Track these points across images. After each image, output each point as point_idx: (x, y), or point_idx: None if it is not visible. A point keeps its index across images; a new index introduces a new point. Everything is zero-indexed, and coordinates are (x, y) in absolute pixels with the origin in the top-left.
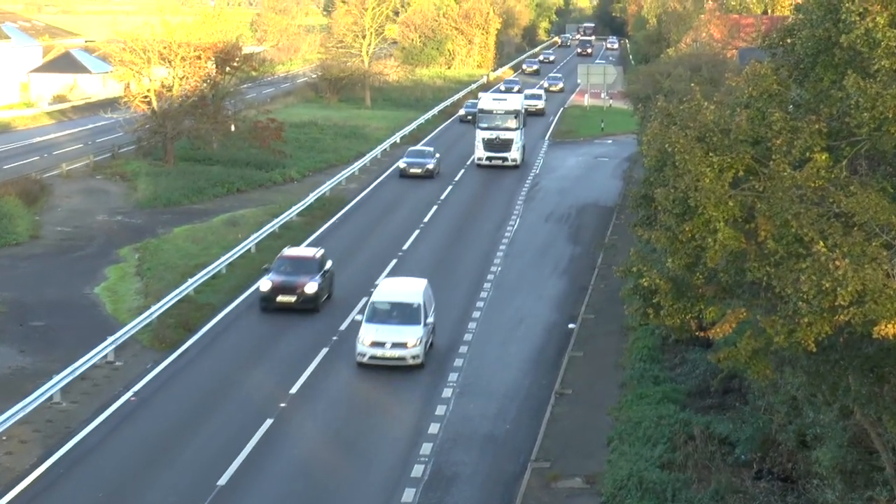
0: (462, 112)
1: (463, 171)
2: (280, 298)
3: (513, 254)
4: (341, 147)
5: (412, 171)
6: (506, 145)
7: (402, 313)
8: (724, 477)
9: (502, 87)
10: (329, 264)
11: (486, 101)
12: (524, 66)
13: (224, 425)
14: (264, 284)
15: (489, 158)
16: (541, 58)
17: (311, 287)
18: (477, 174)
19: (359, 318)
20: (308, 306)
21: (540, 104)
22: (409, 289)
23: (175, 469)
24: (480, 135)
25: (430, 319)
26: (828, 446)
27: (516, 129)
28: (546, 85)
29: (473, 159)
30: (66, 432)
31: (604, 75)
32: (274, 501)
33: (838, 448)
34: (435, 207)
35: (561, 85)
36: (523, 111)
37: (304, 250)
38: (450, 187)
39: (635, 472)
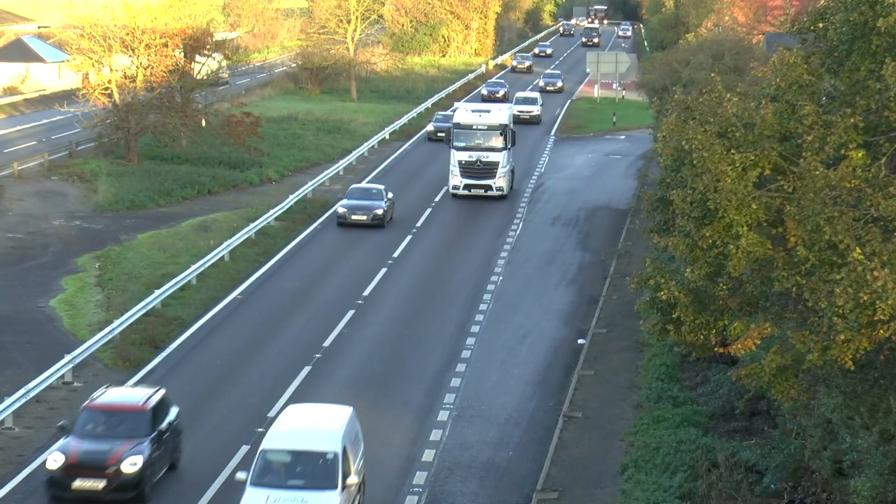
0: (430, 127)
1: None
2: (77, 484)
3: (515, 262)
4: (324, 144)
5: (354, 217)
6: (489, 170)
7: (309, 469)
8: None
9: (484, 92)
10: (173, 414)
11: (462, 113)
12: (514, 63)
13: (195, 453)
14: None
15: (468, 187)
16: (536, 51)
17: (129, 466)
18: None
19: (240, 476)
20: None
21: (535, 110)
22: (321, 425)
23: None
24: (456, 157)
25: (354, 478)
26: (866, 474)
27: (502, 149)
28: (542, 84)
29: (448, 188)
30: (20, 461)
31: (616, 64)
32: None
33: (878, 476)
34: (429, 210)
35: (560, 84)
36: (511, 125)
37: (126, 396)
38: (446, 187)
39: (652, 503)
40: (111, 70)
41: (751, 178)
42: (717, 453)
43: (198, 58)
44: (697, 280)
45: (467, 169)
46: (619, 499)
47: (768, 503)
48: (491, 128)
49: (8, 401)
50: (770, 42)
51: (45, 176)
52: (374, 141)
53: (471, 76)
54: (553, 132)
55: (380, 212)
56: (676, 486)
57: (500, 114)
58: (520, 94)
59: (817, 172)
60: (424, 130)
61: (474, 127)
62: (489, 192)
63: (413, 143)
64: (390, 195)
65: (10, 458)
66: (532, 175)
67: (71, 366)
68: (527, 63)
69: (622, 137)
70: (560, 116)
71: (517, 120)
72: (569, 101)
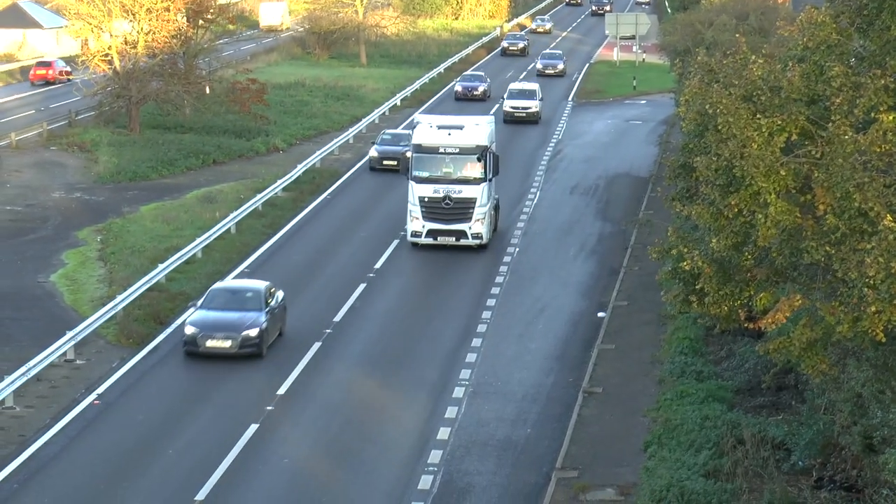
0: (374, 152)
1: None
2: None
3: (532, 232)
4: (333, 111)
5: (210, 345)
6: (461, 211)
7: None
8: (779, 486)
9: (458, 88)
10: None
11: (425, 131)
12: (504, 43)
13: (202, 433)
14: None
15: (432, 234)
16: (533, 26)
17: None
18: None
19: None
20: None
21: (533, 105)
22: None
23: (145, 484)
24: (417, 192)
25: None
26: None
27: (480, 180)
28: (540, 66)
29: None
30: (21, 441)
31: (636, 25)
32: None
33: None
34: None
35: (561, 66)
36: (492, 146)
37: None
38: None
39: (676, 481)
40: (111, 36)
41: (778, 144)
42: (742, 429)
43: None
44: (723, 250)
45: (432, 209)
46: (641, 477)
47: (796, 481)
48: (464, 151)
49: (8, 379)
50: (797, 1)
51: (43, 146)
52: (384, 108)
53: (484, 39)
54: (571, 97)
55: (254, 332)
56: (701, 463)
57: (478, 131)
58: (514, 86)
59: (846, 137)
60: (367, 157)
61: (441, 150)
62: (462, 241)
63: (424, 111)
64: (280, 295)
65: (11, 439)
66: (549, 142)
67: (73, 343)
68: (520, 44)
69: (643, 102)
70: (578, 81)
71: (510, 118)
72: (587, 65)
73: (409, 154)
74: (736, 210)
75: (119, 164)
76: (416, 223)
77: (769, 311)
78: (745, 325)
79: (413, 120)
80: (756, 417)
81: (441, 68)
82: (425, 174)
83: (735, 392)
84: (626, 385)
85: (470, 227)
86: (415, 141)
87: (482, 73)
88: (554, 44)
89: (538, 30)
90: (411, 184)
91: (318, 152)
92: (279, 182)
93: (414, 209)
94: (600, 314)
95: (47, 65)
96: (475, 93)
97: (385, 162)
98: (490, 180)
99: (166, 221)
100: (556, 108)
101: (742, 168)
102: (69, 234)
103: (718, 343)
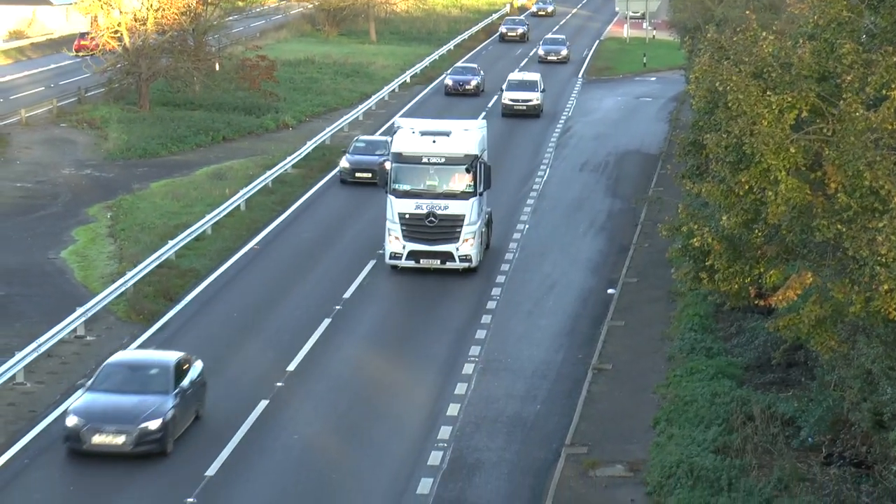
0: (345, 163)
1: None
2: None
3: (542, 209)
4: (342, 88)
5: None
6: (448, 230)
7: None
8: (789, 463)
9: (448, 82)
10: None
11: (406, 137)
12: (502, 29)
13: (212, 409)
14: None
15: (414, 256)
16: (533, 9)
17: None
18: (499, 123)
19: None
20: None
21: (534, 98)
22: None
23: (155, 459)
24: (396, 208)
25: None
26: None
27: (469, 194)
28: (541, 53)
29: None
30: (31, 417)
31: (646, 2)
32: (270, 498)
33: None
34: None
35: (565, 52)
36: (483, 154)
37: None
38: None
39: (685, 457)
40: (121, 12)
41: (788, 121)
42: (752, 406)
43: None
44: (733, 227)
45: (414, 227)
46: (651, 453)
47: (806, 457)
48: (451, 160)
49: (19, 355)
50: None
51: (53, 123)
52: (394, 84)
53: (494, 16)
54: (581, 74)
55: (155, 425)
56: (710, 439)
57: (467, 138)
58: (514, 77)
59: (857, 114)
60: (338, 169)
61: (425, 160)
62: (448, 264)
63: (434, 89)
64: (197, 368)
65: (22, 414)
66: (559, 119)
67: (83, 319)
68: (520, 30)
69: (653, 79)
70: (588, 58)
71: (510, 111)
72: (597, 42)
73: (387, 164)
74: (746, 187)
75: (129, 141)
76: (396, 244)
77: (779, 288)
78: (755, 301)
79: (393, 124)
80: (766, 394)
81: (451, 45)
82: (406, 187)
83: (745, 369)
84: (636, 362)
85: (457, 249)
86: (394, 149)
87: (475, 66)
88: (563, 22)
89: (539, 13)
90: (390, 198)
91: (328, 129)
92: (289, 159)
93: (393, 227)
94: (610, 291)
95: (89, 35)
96: (467, 87)
97: (358, 174)
98: (481, 194)
99: (176, 198)
100: (565, 85)
101: (752, 145)
102: (79, 211)
103: (728, 320)
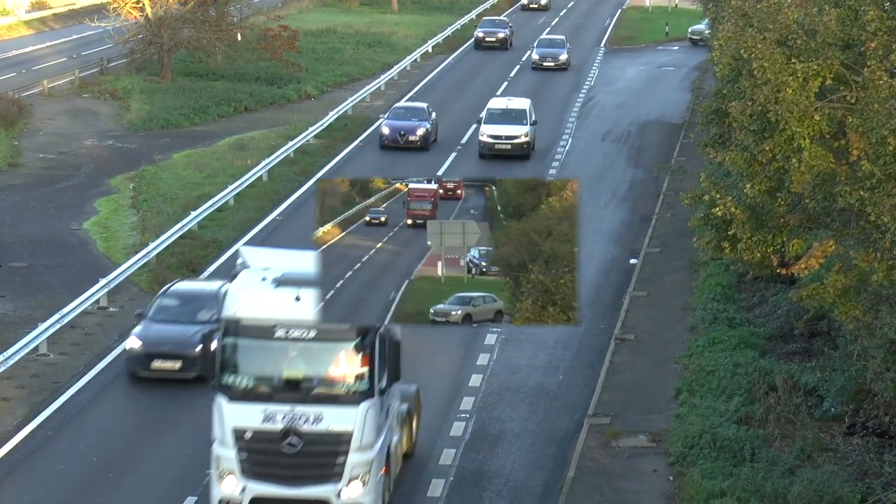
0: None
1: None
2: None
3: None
4: (364, 58)
5: None
6: (320, 458)
7: None
8: (811, 433)
9: (385, 131)
10: None
11: (247, 291)
12: (478, 33)
13: None
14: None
15: None
16: (524, 1)
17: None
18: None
19: None
20: None
21: (522, 134)
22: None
23: (178, 430)
24: (230, 419)
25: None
26: None
27: (362, 394)
28: (536, 57)
29: None
30: (54, 388)
31: None
32: None
33: None
34: (474, 126)
35: (564, 56)
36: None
37: None
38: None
39: (708, 428)
40: None
41: (812, 89)
42: (774, 376)
43: None
44: (756, 196)
45: (261, 455)
46: (673, 424)
47: (828, 427)
48: (329, 334)
49: (42, 326)
50: None
51: (75, 94)
52: (416, 54)
53: None
54: (603, 44)
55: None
56: (733, 410)
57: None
58: (494, 105)
59: (881, 82)
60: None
61: (280, 332)
62: None
63: (458, 56)
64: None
65: (45, 385)
66: (581, 89)
67: (106, 290)
68: (502, 33)
69: (675, 48)
70: (610, 27)
71: (488, 151)
72: (619, 11)
73: (216, 342)
74: (770, 155)
75: (151, 112)
76: (228, 483)
77: (802, 257)
78: (778, 271)
79: (236, 257)
80: (788, 364)
81: (473, 14)
82: (248, 383)
83: (767, 339)
84: (658, 332)
85: (338, 495)
86: (228, 313)
87: (424, 105)
88: (563, 13)
89: (531, 6)
90: (220, 402)
91: (350, 99)
92: (311, 129)
93: (224, 455)
94: (632, 261)
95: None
96: (411, 138)
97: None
98: (383, 392)
99: (198, 169)
100: (588, 54)
101: (776, 113)
102: (102, 182)
103: (751, 290)
